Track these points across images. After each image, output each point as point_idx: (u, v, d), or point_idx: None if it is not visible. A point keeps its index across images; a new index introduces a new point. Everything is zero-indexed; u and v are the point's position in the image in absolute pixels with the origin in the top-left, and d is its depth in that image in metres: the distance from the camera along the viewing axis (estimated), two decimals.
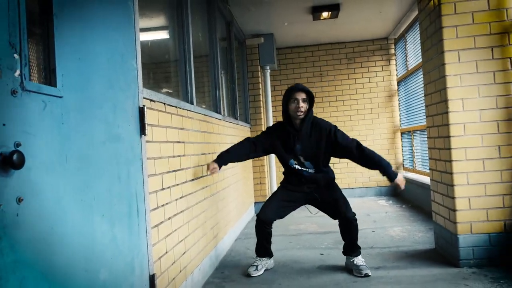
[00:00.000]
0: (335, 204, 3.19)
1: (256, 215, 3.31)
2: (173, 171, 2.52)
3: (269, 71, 6.34)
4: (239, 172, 5.01)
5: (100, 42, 1.71)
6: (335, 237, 4.18)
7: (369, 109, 6.88)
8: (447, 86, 2.98)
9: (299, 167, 3.14)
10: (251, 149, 3.19)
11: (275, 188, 6.31)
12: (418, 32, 5.53)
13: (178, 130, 2.66)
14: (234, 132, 4.84)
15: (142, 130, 2.03)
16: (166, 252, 2.33)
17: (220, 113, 4.11)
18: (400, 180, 2.97)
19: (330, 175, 3.23)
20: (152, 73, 2.90)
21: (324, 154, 3.10)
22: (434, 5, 3.10)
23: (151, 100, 2.24)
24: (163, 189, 2.33)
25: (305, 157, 3.12)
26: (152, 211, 2.14)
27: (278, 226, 4.99)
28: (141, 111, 2.03)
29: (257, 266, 3.24)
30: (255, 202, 6.13)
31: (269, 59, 6.21)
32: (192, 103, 3.08)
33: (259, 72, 6.24)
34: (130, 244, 1.85)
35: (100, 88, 1.68)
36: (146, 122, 2.04)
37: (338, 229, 4.49)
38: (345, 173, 6.85)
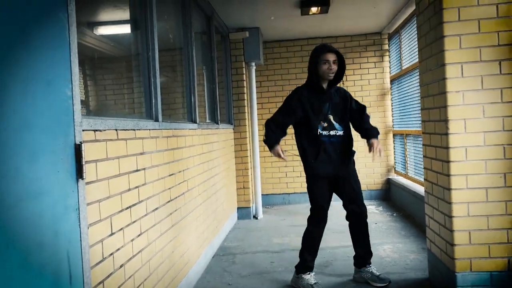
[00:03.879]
0: (356, 188, 3.18)
1: (311, 209, 3.27)
2: (128, 207, 2.15)
3: (254, 67, 5.92)
4: (219, 181, 4.64)
5: (11, 68, 1.31)
6: (320, 256, 3.85)
7: None
8: (448, 104, 2.62)
9: (327, 132, 3.09)
10: (289, 116, 3.18)
11: (259, 193, 5.96)
12: (415, 29, 5.14)
13: (136, 157, 2.28)
14: (213, 139, 4.46)
15: (79, 173, 1.64)
16: None
17: (195, 121, 3.72)
18: (375, 142, 3.12)
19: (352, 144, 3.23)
20: (104, 88, 2.49)
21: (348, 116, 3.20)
22: (435, 10, 2.72)
23: (96, 131, 1.85)
24: (112, 234, 1.96)
25: (334, 117, 3.14)
26: (94, 267, 1.77)
27: (261, 238, 4.66)
28: (77, 150, 1.64)
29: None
30: (238, 208, 5.79)
31: (254, 54, 5.79)
32: (157, 119, 2.69)
33: (244, 69, 5.82)
34: None
35: (9, 133, 1.29)
36: (84, 163, 1.65)
37: (323, 245, 4.20)
38: None
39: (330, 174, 3.12)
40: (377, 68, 6.53)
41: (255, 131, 5.91)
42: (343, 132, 3.14)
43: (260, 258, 3.94)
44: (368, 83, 6.55)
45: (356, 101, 3.29)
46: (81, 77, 2.26)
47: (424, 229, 4.47)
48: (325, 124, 3.12)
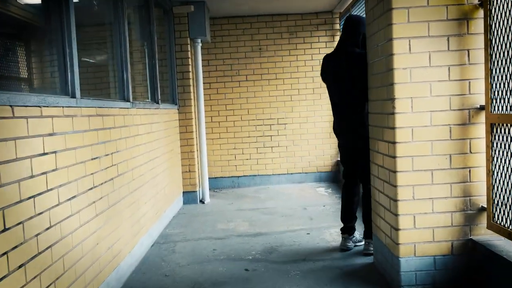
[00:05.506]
0: (366, 165, 3.11)
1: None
2: (30, 197, 1.83)
3: (200, 44, 5.58)
4: (160, 164, 4.34)
5: None
6: (265, 242, 3.69)
7: (311, 89, 6.37)
8: (395, 81, 2.46)
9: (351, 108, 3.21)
10: None
11: (206, 176, 5.70)
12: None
13: (42, 138, 1.94)
14: (152, 119, 4.13)
15: None
16: None
17: (128, 100, 3.38)
18: None
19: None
20: (7, 59, 2.11)
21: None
22: None
23: None
24: (4, 230, 1.64)
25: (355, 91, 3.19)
26: None
27: (205, 224, 4.44)
28: None
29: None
30: (183, 192, 5.51)
31: (200, 30, 5.44)
32: (73, 95, 2.34)
33: (189, 46, 5.47)
34: None
35: None
36: None
37: (270, 230, 4.05)
38: (284, 157, 6.37)
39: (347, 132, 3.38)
40: (328, 48, 6.37)
41: (202, 111, 5.61)
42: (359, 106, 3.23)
43: (202, 246, 3.71)
44: (319, 63, 6.38)
45: None
46: None
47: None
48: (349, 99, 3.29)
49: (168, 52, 5.29)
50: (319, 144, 6.34)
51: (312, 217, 4.42)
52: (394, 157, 2.48)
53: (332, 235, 3.80)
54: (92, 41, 3.36)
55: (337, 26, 6.36)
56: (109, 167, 2.82)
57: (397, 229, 2.50)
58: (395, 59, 2.45)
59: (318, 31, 6.37)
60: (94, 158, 2.56)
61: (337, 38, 6.37)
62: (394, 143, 2.48)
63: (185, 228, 4.32)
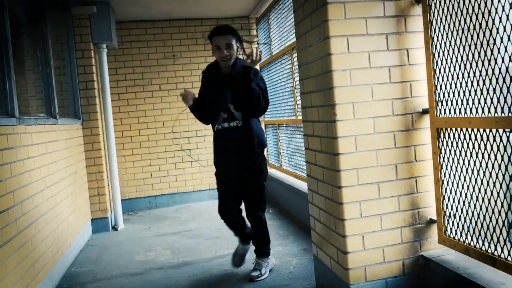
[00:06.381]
0: (256, 194, 2.94)
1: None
2: None
3: (106, 50, 4.95)
4: (60, 190, 3.65)
5: None
6: (191, 273, 3.21)
7: None
8: (334, 85, 2.18)
9: (227, 124, 2.77)
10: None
11: (118, 199, 5.05)
12: (283, 11, 4.79)
13: None
14: (49, 138, 3.45)
15: None
16: None
17: (12, 115, 2.72)
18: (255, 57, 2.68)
19: (262, 135, 2.89)
20: None
21: None
22: None
23: None
24: None
25: (236, 106, 2.76)
26: None
27: (120, 256, 3.82)
28: None
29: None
30: (92, 219, 4.80)
31: (105, 34, 4.82)
32: None
33: (92, 51, 4.81)
34: None
35: None
36: None
37: (196, 257, 3.57)
38: (205, 172, 5.92)
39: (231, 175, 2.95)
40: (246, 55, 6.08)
41: (110, 126, 4.96)
42: (242, 123, 2.78)
43: (116, 286, 3.13)
44: None
45: (265, 90, 2.80)
46: None
47: (303, 225, 4.15)
48: (225, 116, 2.79)
49: (68, 59, 4.59)
50: None
51: None
52: (338, 170, 2.19)
53: None
54: None
55: (254, 32, 6.11)
56: None
57: (345, 253, 2.20)
58: (334, 59, 2.17)
59: None
60: None
61: (255, 45, 6.11)
62: (336, 154, 2.19)
63: (95, 265, 3.67)
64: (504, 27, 1.69)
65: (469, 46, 1.92)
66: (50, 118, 3.67)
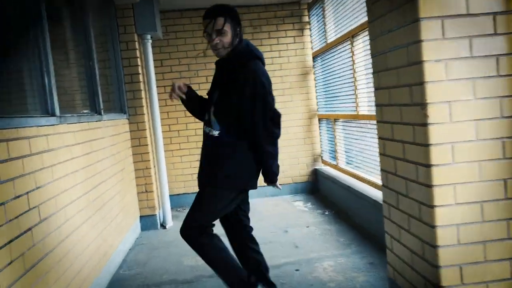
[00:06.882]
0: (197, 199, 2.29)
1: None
2: None
3: (150, 41, 4.71)
4: (108, 189, 3.46)
5: None
6: None
7: (281, 89, 5.63)
8: (426, 79, 1.76)
9: (207, 129, 2.23)
10: None
11: (167, 195, 4.86)
12: None
13: None
14: (94, 135, 3.25)
15: None
16: None
17: (52, 113, 2.50)
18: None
19: (241, 163, 2.18)
20: None
21: (237, 111, 2.13)
22: None
23: None
24: None
25: (215, 110, 2.19)
26: None
27: (168, 259, 3.60)
28: None
29: None
30: (140, 216, 4.63)
31: (149, 25, 4.57)
32: None
33: (137, 43, 4.58)
34: None
35: None
36: None
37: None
38: None
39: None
40: (297, 43, 5.67)
41: (157, 120, 4.74)
42: (219, 133, 2.17)
43: None
44: (288, 60, 5.67)
45: (254, 98, 2.09)
46: None
47: (365, 232, 3.74)
48: (206, 117, 2.25)
49: (112, 51, 4.38)
50: (292, 151, 5.62)
51: (297, 244, 3.68)
52: (430, 185, 1.77)
53: (327, 270, 3.08)
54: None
55: (306, 19, 5.66)
56: (23, 213, 1.95)
57: (438, 287, 1.80)
58: (424, 47, 1.75)
59: (285, 24, 5.65)
60: None
61: (307, 32, 5.68)
62: (428, 166, 1.78)
63: (143, 268, 3.46)
64: None
65: None
66: (95, 114, 3.46)
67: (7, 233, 1.79)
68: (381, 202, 3.29)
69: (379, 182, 3.57)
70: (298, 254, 3.46)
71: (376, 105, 2.25)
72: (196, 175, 2.37)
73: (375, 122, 3.45)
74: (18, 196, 1.92)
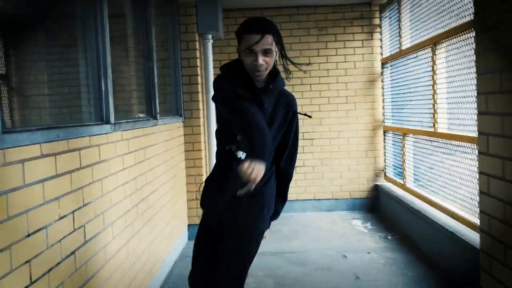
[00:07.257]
0: (221, 259, 1.86)
1: None
2: None
3: (211, 41, 4.50)
4: (159, 198, 3.28)
5: None
6: None
7: (344, 97, 5.25)
8: None
9: (240, 153, 1.84)
10: None
11: None
12: None
13: None
14: (148, 142, 3.07)
15: None
16: None
17: (107, 121, 2.31)
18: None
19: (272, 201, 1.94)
20: None
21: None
22: None
23: None
24: None
25: (243, 145, 1.85)
26: None
27: None
28: None
29: None
30: (188, 225, 4.45)
31: (211, 24, 4.37)
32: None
33: (197, 43, 4.39)
34: None
35: None
36: None
37: None
38: (310, 179, 5.27)
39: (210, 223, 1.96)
40: (365, 47, 5.26)
41: (212, 125, 4.53)
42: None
43: None
44: (354, 66, 5.28)
45: (297, 131, 1.96)
46: None
47: (436, 266, 3.30)
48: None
49: (172, 51, 4.22)
50: (353, 164, 5.22)
51: (358, 275, 3.30)
52: None
53: None
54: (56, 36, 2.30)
55: (377, 21, 5.23)
56: (66, 236, 1.76)
57: None
58: None
59: (353, 26, 5.26)
60: (32, 233, 1.49)
61: (377, 36, 5.26)
62: None
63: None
64: None
65: None
66: (150, 119, 3.28)
67: (47, 261, 1.60)
68: (460, 236, 2.87)
69: (459, 212, 3.13)
70: (359, 286, 3.10)
71: (480, 133, 1.85)
72: None
73: (458, 143, 3.03)
74: (62, 217, 1.72)
